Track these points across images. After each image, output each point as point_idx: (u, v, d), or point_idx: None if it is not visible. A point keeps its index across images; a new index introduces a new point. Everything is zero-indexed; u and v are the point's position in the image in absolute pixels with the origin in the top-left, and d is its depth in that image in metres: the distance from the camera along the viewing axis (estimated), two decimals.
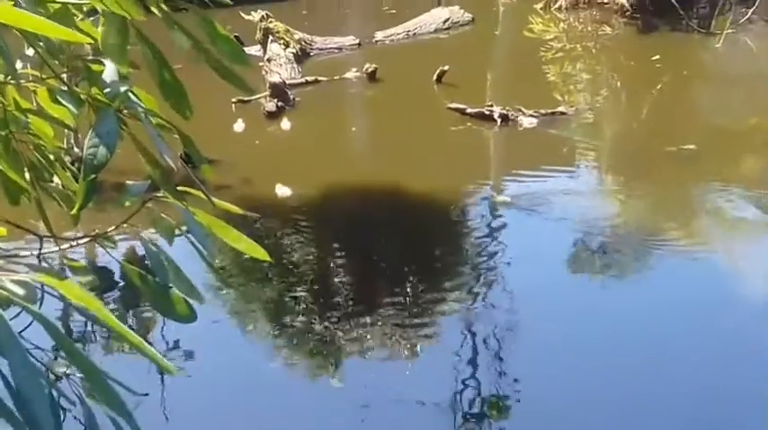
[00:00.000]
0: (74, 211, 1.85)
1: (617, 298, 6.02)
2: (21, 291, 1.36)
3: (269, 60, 10.98)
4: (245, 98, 9.45)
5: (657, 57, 11.05)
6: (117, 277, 5.90)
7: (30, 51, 2.13)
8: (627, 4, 12.80)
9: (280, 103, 9.56)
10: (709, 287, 6.10)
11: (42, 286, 1.55)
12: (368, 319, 5.69)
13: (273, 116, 9.42)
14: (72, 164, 2.53)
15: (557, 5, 13.27)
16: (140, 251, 4.57)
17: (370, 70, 10.57)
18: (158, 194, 2.04)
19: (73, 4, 1.91)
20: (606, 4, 13.22)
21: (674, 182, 7.94)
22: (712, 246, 6.77)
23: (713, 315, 5.68)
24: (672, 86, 10.48)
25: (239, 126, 9.15)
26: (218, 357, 5.39)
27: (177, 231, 2.06)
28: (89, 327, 5.49)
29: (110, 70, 1.83)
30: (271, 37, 11.33)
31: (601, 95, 10.66)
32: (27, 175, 2.19)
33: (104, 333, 5.33)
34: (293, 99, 9.79)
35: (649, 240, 6.70)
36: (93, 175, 1.74)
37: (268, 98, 9.55)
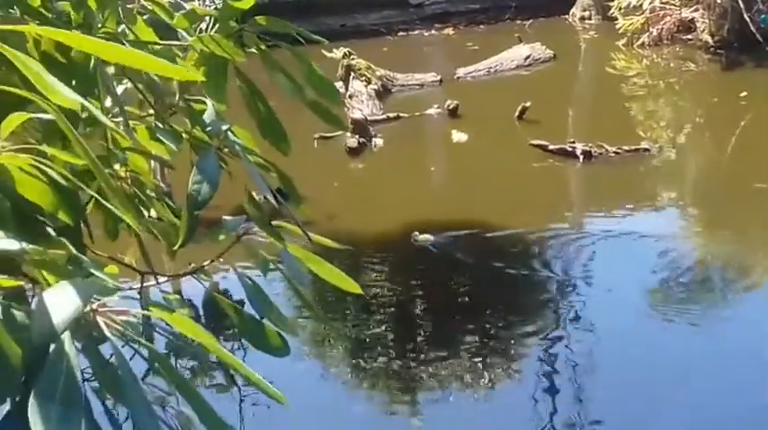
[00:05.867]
0: (176, 247, 1.89)
1: (700, 340, 5.90)
2: (133, 330, 1.40)
3: (351, 97, 11.09)
4: (327, 134, 9.55)
5: (745, 93, 10.87)
6: (200, 310, 5.97)
7: (120, 89, 2.19)
8: (711, 41, 12.62)
9: (361, 140, 9.65)
10: None
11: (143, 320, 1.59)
12: (449, 358, 5.68)
13: (355, 152, 9.51)
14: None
15: (639, 42, 13.14)
16: (223, 284, 4.61)
17: (451, 107, 10.60)
18: (253, 229, 2.07)
19: (175, 45, 1.97)
20: (690, 40, 13.05)
21: (762, 219, 7.79)
22: None
23: None
24: (758, 123, 10.28)
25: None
26: (301, 392, 5.43)
27: (271, 265, 2.08)
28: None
29: (210, 109, 1.88)
30: (353, 74, 11.44)
31: (684, 132, 10.53)
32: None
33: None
34: (375, 135, 9.87)
35: (735, 280, 6.57)
36: (196, 212, 1.78)
37: (350, 134, 9.64)
